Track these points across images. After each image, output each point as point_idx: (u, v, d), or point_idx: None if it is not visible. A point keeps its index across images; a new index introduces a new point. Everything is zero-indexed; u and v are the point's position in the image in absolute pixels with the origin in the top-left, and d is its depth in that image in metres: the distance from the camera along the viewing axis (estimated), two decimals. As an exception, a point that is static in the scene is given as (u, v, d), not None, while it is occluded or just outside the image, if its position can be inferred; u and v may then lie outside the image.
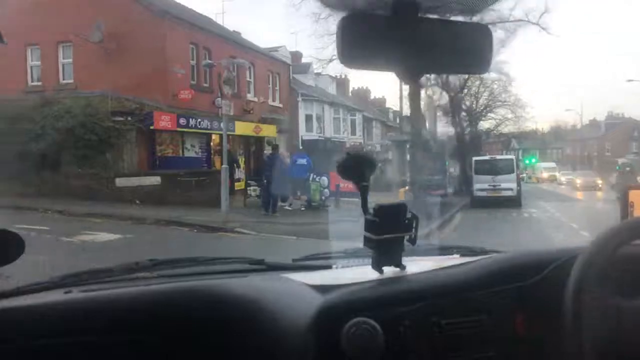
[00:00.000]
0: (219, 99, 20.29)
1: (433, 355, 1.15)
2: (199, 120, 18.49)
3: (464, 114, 34.05)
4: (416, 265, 1.34)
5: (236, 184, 17.39)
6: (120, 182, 14.66)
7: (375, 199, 1.28)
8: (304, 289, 1.26)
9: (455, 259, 1.51)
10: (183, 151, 18.40)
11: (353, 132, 33.14)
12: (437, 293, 1.22)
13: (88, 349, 1.18)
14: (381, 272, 1.27)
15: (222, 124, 19.52)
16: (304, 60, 31.57)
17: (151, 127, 16.08)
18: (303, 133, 27.63)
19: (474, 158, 22.40)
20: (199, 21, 21.30)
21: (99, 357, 1.19)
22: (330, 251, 1.77)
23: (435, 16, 1.12)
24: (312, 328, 1.11)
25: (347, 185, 19.48)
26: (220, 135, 20.11)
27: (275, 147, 15.37)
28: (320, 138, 28.37)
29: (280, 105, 26.30)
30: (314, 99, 28.76)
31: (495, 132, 36.79)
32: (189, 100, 18.18)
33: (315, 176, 16.21)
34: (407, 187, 17.77)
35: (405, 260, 1.30)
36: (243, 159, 21.44)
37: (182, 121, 17.65)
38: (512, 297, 1.22)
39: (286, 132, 25.62)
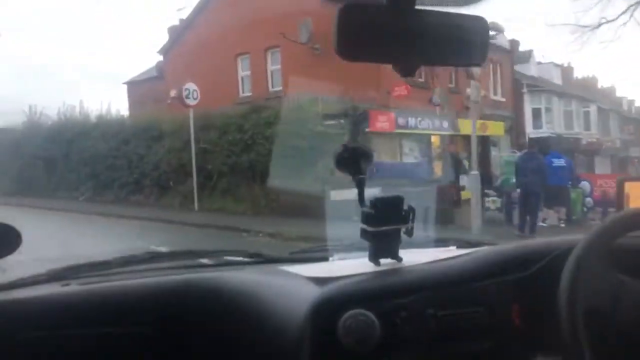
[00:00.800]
0: (436, 95, 17.62)
1: (430, 346, 1.14)
2: (419, 119, 15.83)
3: None
4: (413, 257, 1.32)
5: (462, 193, 14.35)
6: (335, 195, 12.61)
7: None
8: (300, 281, 1.26)
9: (452, 251, 1.49)
10: (401, 156, 15.89)
11: (587, 127, 27.76)
12: (434, 285, 1.21)
13: (85, 341, 1.20)
14: (378, 264, 1.27)
15: (445, 122, 16.96)
16: (522, 48, 27.25)
17: (367, 130, 13.85)
18: (530, 130, 23.49)
19: None
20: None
21: (96, 349, 1.20)
22: (326, 243, 1.71)
23: (431, 7, 1.07)
24: (308, 320, 1.10)
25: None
26: (440, 137, 17.51)
27: (532, 145, 11.69)
28: (552, 135, 23.81)
29: (503, 99, 22.63)
30: (541, 90, 24.43)
31: None
32: (404, 98, 15.69)
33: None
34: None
35: (402, 252, 1.30)
36: (468, 163, 18.29)
37: (401, 121, 15.12)
38: (508, 288, 1.21)
39: (511, 129, 21.92)
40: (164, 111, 17.18)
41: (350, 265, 1.32)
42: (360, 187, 1.25)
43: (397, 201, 1.25)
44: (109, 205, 15.20)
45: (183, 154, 14.59)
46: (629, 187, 1.61)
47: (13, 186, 18.47)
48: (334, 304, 1.11)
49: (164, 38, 22.41)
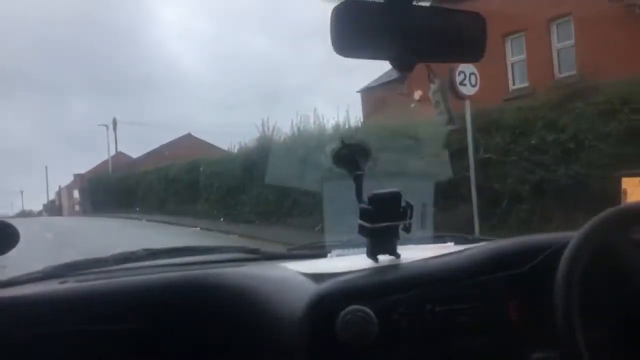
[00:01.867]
0: None
1: (427, 342, 1.16)
2: None
3: None
4: (411, 253, 1.33)
5: None
6: None
7: None
8: (299, 278, 1.27)
9: (449, 247, 1.51)
10: None
11: None
12: (432, 281, 1.22)
13: (83, 338, 1.20)
14: (376, 260, 1.29)
15: None
16: None
17: None
18: None
19: None
20: None
21: (94, 347, 1.21)
22: (325, 240, 1.72)
23: (429, 3, 1.10)
24: (307, 316, 1.12)
25: None
26: None
27: None
28: None
29: None
30: None
31: None
32: None
33: None
34: None
35: (400, 249, 1.31)
36: None
37: None
38: (505, 284, 1.22)
39: None
40: (408, 116, 13.54)
41: (348, 261, 1.36)
42: (358, 183, 1.27)
43: (395, 197, 1.25)
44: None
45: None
46: (625, 182, 1.63)
47: (251, 214, 16.52)
48: (332, 300, 1.13)
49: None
